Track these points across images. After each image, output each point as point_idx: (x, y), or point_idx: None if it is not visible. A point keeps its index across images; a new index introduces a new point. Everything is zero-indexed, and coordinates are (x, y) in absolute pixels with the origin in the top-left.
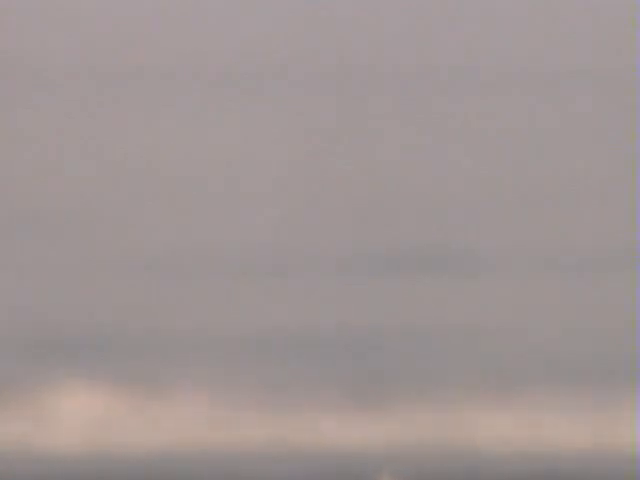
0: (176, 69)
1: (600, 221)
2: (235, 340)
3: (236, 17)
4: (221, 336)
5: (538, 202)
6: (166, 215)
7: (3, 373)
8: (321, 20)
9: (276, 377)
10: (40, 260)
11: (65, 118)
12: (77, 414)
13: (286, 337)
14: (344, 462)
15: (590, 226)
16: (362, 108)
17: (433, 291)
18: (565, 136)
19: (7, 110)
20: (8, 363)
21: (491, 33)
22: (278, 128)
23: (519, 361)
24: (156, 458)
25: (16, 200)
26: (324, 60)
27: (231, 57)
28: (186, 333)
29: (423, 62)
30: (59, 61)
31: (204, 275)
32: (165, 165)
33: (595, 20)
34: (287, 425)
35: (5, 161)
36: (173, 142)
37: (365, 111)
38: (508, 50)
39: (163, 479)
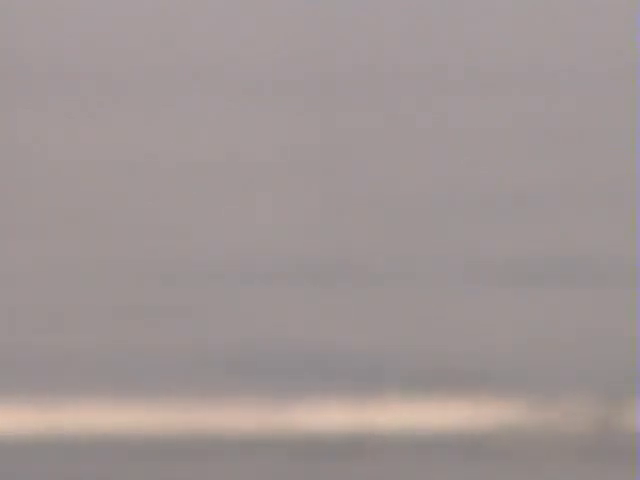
0: (176, 69)
1: (600, 223)
2: (235, 350)
3: (236, 17)
4: (219, 345)
5: (538, 203)
6: (165, 217)
7: None
8: (321, 20)
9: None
10: (39, 262)
11: (65, 118)
12: None
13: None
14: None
15: (590, 227)
16: (362, 108)
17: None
18: (565, 136)
19: (7, 110)
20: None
21: (491, 33)
22: (277, 128)
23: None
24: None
25: (15, 201)
26: (324, 60)
27: (231, 57)
28: (187, 344)
29: (423, 62)
30: (59, 61)
31: (204, 280)
32: (164, 165)
33: (595, 20)
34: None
35: (5, 161)
36: (172, 142)
37: (365, 111)
38: (508, 50)
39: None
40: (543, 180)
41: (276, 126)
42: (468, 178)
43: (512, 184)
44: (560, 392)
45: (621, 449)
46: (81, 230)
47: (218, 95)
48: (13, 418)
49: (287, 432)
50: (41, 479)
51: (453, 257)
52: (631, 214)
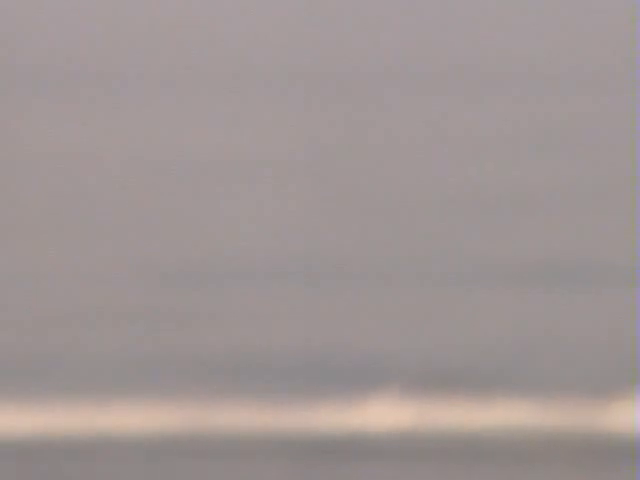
0: (176, 69)
1: (600, 224)
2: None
3: (237, 17)
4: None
5: (537, 203)
6: (165, 218)
7: None
8: (321, 20)
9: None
10: (39, 263)
11: (65, 118)
12: None
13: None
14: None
15: (590, 228)
16: (363, 108)
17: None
18: (565, 137)
19: (7, 110)
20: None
21: (491, 33)
22: (279, 128)
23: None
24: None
25: (14, 201)
26: (325, 61)
27: (232, 57)
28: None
29: (424, 63)
30: (59, 61)
31: (206, 281)
32: (165, 165)
33: (595, 20)
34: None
35: (6, 161)
36: (172, 142)
37: (366, 111)
38: (508, 50)
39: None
40: (543, 181)
41: (275, 126)
42: (468, 179)
43: (512, 185)
44: (560, 392)
45: (620, 449)
46: (81, 230)
47: (220, 95)
48: (14, 418)
49: (287, 432)
50: (41, 479)
51: (453, 258)
52: (631, 215)
